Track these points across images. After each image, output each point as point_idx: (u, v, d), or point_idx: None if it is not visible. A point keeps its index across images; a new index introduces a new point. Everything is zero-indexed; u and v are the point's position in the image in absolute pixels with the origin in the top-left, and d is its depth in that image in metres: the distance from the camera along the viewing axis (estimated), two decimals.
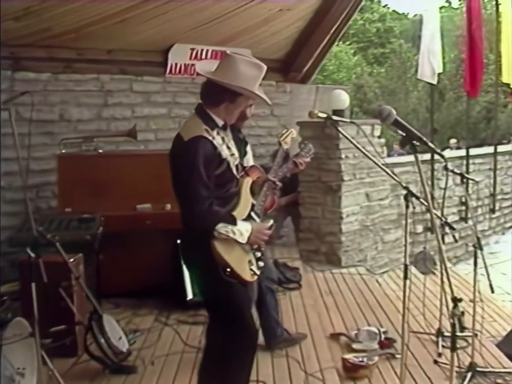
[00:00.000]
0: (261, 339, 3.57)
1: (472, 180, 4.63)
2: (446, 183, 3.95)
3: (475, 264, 3.62)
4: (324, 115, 2.89)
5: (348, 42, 28.84)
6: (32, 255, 2.88)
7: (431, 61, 7.80)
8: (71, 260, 3.55)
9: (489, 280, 3.65)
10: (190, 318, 4.36)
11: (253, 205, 2.76)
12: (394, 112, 2.39)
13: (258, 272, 2.69)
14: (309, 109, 3.02)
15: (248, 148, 3.48)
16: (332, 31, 7.15)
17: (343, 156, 6.01)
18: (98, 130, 5.93)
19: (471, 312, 3.71)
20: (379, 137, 6.54)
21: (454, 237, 4.61)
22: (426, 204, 2.63)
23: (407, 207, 3.01)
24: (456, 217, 8.33)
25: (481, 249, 3.61)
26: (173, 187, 2.60)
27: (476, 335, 3.77)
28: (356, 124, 3.44)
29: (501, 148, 10.05)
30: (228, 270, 2.54)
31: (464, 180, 3.99)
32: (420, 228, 7.39)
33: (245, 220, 2.66)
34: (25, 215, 3.86)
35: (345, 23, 7.24)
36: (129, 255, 4.67)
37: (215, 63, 2.66)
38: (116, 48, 6.04)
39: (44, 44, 5.51)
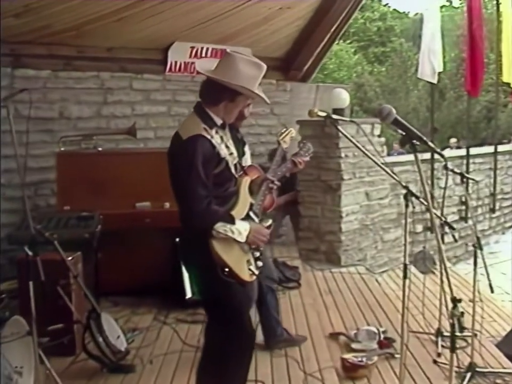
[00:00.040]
0: (259, 338, 3.57)
1: (472, 179, 4.62)
2: (446, 183, 3.95)
3: (475, 264, 3.61)
4: (324, 114, 2.87)
5: (348, 41, 28.82)
6: (30, 253, 2.87)
7: (431, 60, 7.78)
8: (70, 258, 3.55)
9: (489, 280, 3.64)
10: (188, 316, 4.35)
11: (251, 205, 2.74)
12: (394, 111, 2.38)
13: (256, 272, 2.68)
14: (309, 108, 3.00)
15: (246, 148, 3.46)
16: (332, 30, 7.16)
17: (342, 154, 6.01)
18: (97, 128, 5.92)
19: (471, 312, 3.69)
20: (379, 136, 6.54)
21: (453, 236, 4.58)
22: (426, 203, 2.61)
23: (406, 206, 3.01)
24: (456, 217, 8.32)
25: (481, 249, 3.60)
26: (171, 186, 2.59)
27: (476, 335, 3.77)
28: (355, 123, 3.42)
29: (501, 148, 10.01)
30: (226, 269, 2.53)
31: (464, 180, 3.97)
32: (419, 227, 7.37)
33: (243, 219, 2.64)
34: (24, 213, 3.85)
35: (346, 21, 7.23)
36: (128, 253, 4.66)
37: (215, 61, 2.65)
38: (116, 45, 6.04)
39: (44, 41, 5.51)
